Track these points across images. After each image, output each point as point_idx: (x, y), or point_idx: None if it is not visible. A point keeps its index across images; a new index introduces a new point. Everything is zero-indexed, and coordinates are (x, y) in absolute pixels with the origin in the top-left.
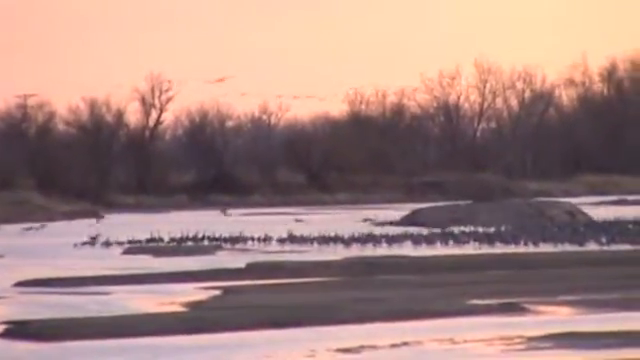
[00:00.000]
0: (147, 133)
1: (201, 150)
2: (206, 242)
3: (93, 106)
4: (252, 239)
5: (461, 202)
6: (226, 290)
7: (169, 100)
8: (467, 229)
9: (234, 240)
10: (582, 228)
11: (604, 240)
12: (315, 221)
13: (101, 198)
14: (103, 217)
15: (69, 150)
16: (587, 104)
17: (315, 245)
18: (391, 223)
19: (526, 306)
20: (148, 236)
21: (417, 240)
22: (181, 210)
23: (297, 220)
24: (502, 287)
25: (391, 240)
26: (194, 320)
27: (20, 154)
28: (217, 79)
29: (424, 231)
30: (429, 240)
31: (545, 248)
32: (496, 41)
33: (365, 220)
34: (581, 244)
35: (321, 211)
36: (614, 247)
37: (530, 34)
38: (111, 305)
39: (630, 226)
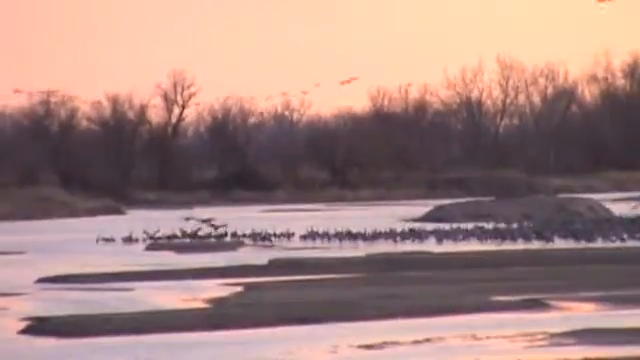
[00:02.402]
0: (169, 129)
1: (223, 146)
2: (228, 238)
3: (115, 103)
4: (275, 235)
5: (484, 198)
6: (248, 286)
7: (191, 96)
8: (490, 225)
9: (256, 236)
10: (604, 224)
11: (626, 236)
12: (338, 217)
13: (123, 194)
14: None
15: (92, 146)
16: (610, 100)
17: (337, 241)
18: (414, 219)
19: (549, 302)
20: (170, 232)
21: (440, 236)
22: (203, 206)
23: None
24: (524, 283)
25: (414, 236)
26: (216, 316)
27: (43, 150)
28: (349, 78)
29: (447, 227)
30: (452, 236)
31: (567, 244)
32: (518, 37)
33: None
34: (603, 240)
35: (344, 208)
36: (636, 243)
37: (552, 30)
38: (133, 301)
39: None
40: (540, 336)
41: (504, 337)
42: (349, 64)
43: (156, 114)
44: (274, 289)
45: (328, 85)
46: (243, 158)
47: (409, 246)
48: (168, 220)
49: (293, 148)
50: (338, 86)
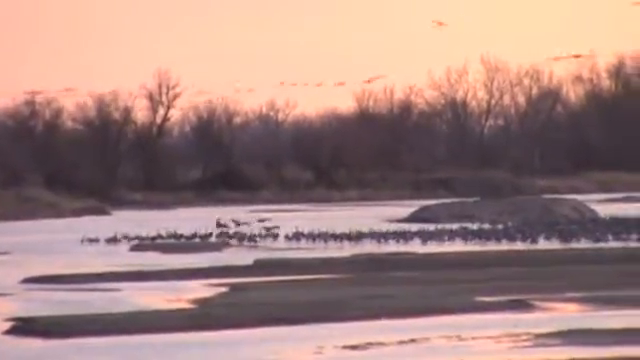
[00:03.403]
0: (154, 130)
1: (208, 147)
2: (214, 239)
3: (100, 103)
4: (260, 236)
5: (469, 199)
6: (233, 287)
7: (176, 97)
8: (474, 226)
9: (242, 237)
10: (589, 225)
11: (610, 237)
12: (323, 218)
13: (109, 195)
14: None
15: (77, 147)
16: (595, 101)
17: (322, 242)
18: (399, 220)
19: (533, 303)
20: (155, 233)
21: (425, 237)
22: (188, 207)
23: None
24: (509, 284)
25: (399, 237)
26: (201, 317)
27: (28, 151)
28: (371, 77)
29: (432, 228)
30: (437, 237)
31: (552, 245)
32: (503, 38)
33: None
34: (587, 241)
35: (329, 208)
36: (621, 244)
37: (537, 31)
38: (118, 302)
39: None
40: (525, 337)
41: (489, 338)
42: (334, 65)
43: (141, 114)
44: (259, 290)
45: (313, 85)
46: (228, 158)
47: (394, 247)
48: (155, 221)
49: (278, 148)
50: (323, 87)
